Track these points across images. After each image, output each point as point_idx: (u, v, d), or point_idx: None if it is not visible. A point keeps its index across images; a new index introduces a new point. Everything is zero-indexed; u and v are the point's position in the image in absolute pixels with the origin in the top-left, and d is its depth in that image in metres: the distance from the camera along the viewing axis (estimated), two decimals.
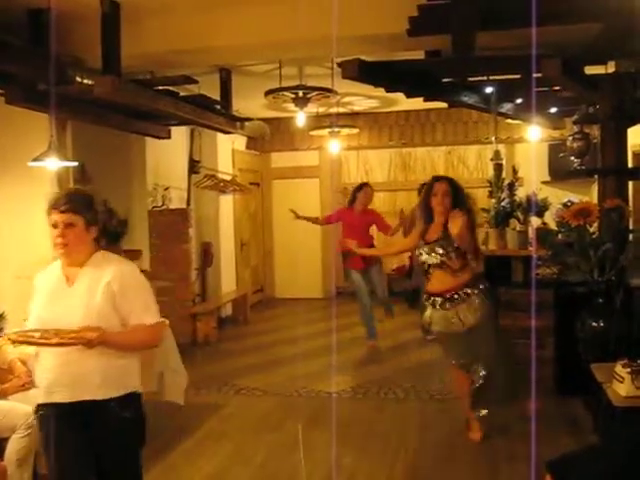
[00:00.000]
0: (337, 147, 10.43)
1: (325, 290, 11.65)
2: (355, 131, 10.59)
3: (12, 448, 3.72)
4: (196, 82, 6.00)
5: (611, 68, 5.88)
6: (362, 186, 8.03)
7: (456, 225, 4.43)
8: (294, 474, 4.35)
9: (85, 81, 5.00)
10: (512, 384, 4.79)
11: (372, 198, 8.10)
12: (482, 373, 4.71)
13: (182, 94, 6.47)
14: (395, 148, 11.54)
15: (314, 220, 8.67)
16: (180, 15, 5.30)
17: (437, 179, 4.86)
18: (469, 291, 4.62)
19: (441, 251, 4.62)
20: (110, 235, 7.22)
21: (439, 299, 4.68)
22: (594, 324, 4.83)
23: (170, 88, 6.15)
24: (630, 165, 5.91)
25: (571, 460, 3.00)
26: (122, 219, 7.57)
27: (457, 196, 4.71)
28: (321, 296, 11.54)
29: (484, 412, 4.81)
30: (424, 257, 4.71)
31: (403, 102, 9.44)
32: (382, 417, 5.40)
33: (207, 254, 9.49)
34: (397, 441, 4.86)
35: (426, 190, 4.82)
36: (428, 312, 4.80)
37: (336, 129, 9.98)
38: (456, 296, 4.61)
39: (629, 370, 3.83)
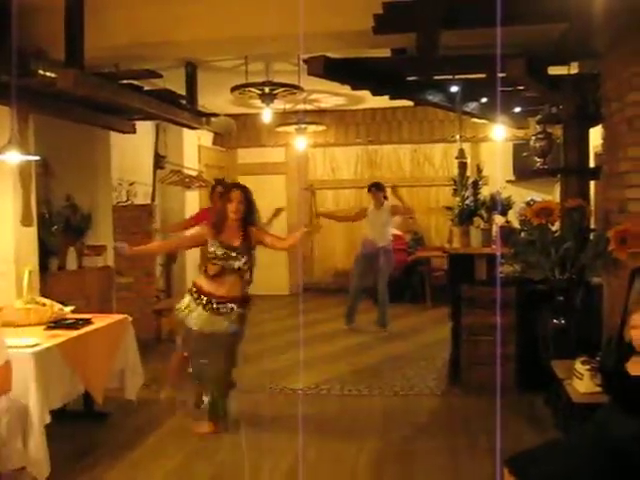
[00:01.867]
0: (304, 144, 10.45)
1: (291, 287, 11.65)
2: (322, 128, 10.60)
3: None
4: (160, 76, 5.96)
5: (574, 69, 5.96)
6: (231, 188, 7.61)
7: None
8: (257, 470, 4.33)
9: (48, 74, 4.94)
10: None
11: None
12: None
13: (147, 88, 6.41)
14: (362, 146, 11.59)
15: None
16: (145, 8, 5.26)
17: (234, 186, 4.99)
18: (236, 309, 4.82)
19: (244, 259, 4.78)
20: (73, 230, 7.26)
21: (222, 303, 4.78)
22: (555, 321, 4.89)
23: (134, 82, 6.10)
24: (592, 165, 5.98)
25: (530, 456, 3.04)
26: (86, 214, 7.51)
27: (250, 206, 4.86)
28: (287, 293, 11.54)
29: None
30: (218, 260, 4.77)
31: (370, 100, 9.49)
32: (345, 413, 5.40)
33: None
34: (360, 437, 4.87)
35: (222, 194, 5.04)
36: (199, 311, 4.81)
37: (303, 126, 9.98)
38: (229, 305, 4.79)
39: (588, 367, 3.88)
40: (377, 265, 8.43)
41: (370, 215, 8.52)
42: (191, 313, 4.80)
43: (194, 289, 4.84)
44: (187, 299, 4.86)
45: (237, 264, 4.76)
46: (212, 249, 4.77)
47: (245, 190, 4.86)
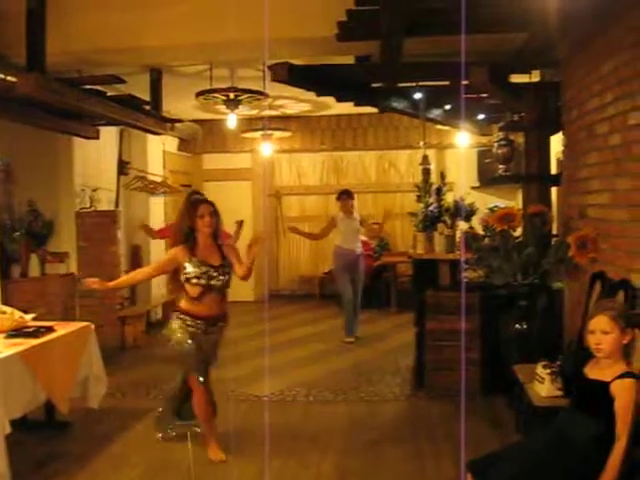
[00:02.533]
0: (269, 150, 10.44)
1: (257, 293, 11.61)
2: (287, 134, 10.61)
3: None
4: (124, 82, 5.93)
5: (536, 77, 6.05)
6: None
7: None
8: (222, 479, 4.32)
9: (8, 78, 4.88)
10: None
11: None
12: None
13: (110, 94, 6.37)
14: (327, 152, 11.61)
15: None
16: (109, 13, 5.23)
17: (202, 201, 4.65)
18: (222, 324, 4.70)
19: (227, 277, 4.61)
20: (35, 237, 7.17)
21: (206, 324, 4.60)
22: (517, 326, 4.96)
23: (98, 87, 6.05)
24: (554, 172, 6.07)
25: (490, 459, 3.07)
26: (48, 220, 7.43)
27: (217, 217, 4.65)
28: (253, 299, 11.50)
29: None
30: (194, 279, 4.52)
31: (335, 106, 9.52)
32: (310, 420, 5.40)
33: (136, 257, 9.35)
34: (324, 443, 4.87)
35: (189, 211, 4.62)
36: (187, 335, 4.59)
37: (268, 132, 9.98)
38: (219, 324, 4.67)
39: (549, 371, 3.94)
40: (357, 273, 8.28)
41: (341, 224, 8.29)
42: (184, 334, 4.58)
43: (181, 314, 4.60)
44: (175, 324, 4.61)
45: (219, 283, 4.56)
46: (189, 269, 4.51)
47: (213, 204, 4.64)
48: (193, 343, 4.55)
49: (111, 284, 4.90)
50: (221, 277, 4.56)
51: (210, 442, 4.66)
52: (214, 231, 4.62)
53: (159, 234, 8.10)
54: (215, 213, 4.60)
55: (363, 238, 9.69)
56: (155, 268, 4.96)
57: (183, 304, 4.63)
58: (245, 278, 4.65)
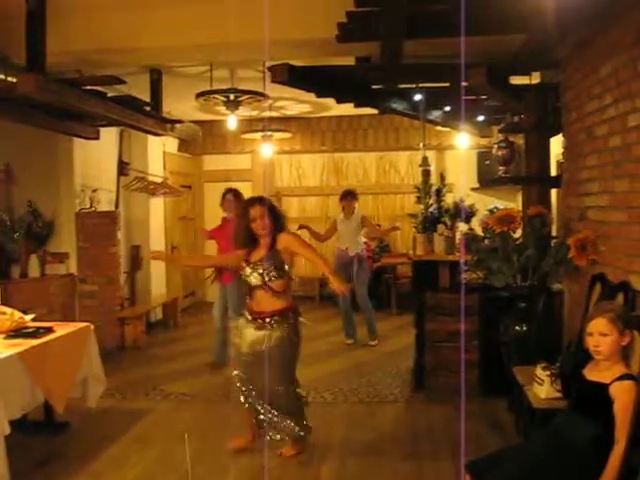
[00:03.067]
0: (270, 151, 10.44)
1: None
2: (288, 135, 10.62)
3: None
4: (124, 82, 5.92)
5: (536, 79, 6.05)
6: (224, 194, 7.18)
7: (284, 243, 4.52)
8: (221, 478, 4.32)
9: (9, 78, 4.89)
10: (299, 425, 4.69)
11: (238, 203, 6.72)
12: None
13: (111, 94, 6.37)
14: (327, 153, 11.61)
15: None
16: (109, 14, 5.24)
17: (252, 203, 4.62)
18: (277, 320, 4.51)
19: (260, 271, 4.51)
20: (35, 237, 7.18)
21: (255, 319, 4.56)
22: (517, 328, 4.95)
23: (98, 88, 6.05)
24: (554, 173, 6.07)
25: (489, 460, 3.07)
26: (48, 221, 7.44)
27: (274, 213, 4.59)
28: None
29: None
30: (248, 277, 4.58)
31: (335, 107, 9.52)
32: (310, 420, 5.40)
33: (136, 257, 9.35)
34: (323, 444, 4.87)
35: (242, 215, 4.63)
36: (242, 330, 4.65)
37: (268, 133, 9.98)
38: (267, 320, 4.51)
39: (549, 373, 3.93)
40: (352, 274, 8.18)
41: (340, 225, 8.28)
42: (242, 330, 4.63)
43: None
44: (240, 321, 4.71)
45: (252, 279, 4.54)
46: (243, 271, 4.59)
47: (263, 201, 4.60)
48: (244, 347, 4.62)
49: (177, 258, 4.91)
50: (254, 274, 4.52)
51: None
52: (272, 230, 4.53)
53: (209, 235, 7.76)
54: (268, 212, 4.51)
55: (364, 239, 9.70)
56: (223, 259, 4.95)
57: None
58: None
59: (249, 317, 4.59)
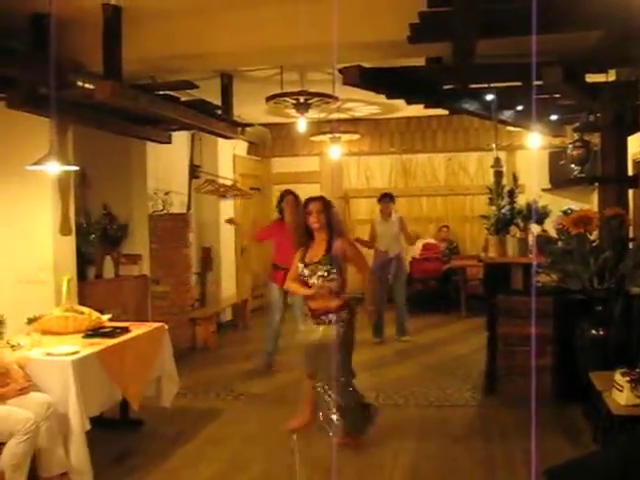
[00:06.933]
0: (338, 153, 10.45)
1: None
2: (356, 137, 10.60)
3: (9, 452, 3.70)
4: (197, 87, 6.02)
5: (612, 76, 5.89)
6: (283, 195, 7.16)
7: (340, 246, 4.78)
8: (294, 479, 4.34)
9: (86, 85, 5.02)
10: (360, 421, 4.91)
11: (297, 205, 6.64)
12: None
13: (183, 99, 6.48)
14: (396, 154, 11.55)
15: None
16: (181, 20, 5.31)
17: (312, 199, 4.94)
18: (334, 317, 4.74)
19: (320, 273, 4.75)
20: (110, 239, 7.36)
21: (316, 317, 4.82)
22: (593, 332, 4.83)
23: (171, 93, 6.16)
24: (630, 173, 5.90)
25: (567, 469, 3.00)
26: (122, 224, 7.62)
27: (329, 213, 4.86)
28: None
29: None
30: (308, 279, 4.81)
31: (404, 109, 9.47)
32: (381, 423, 5.36)
33: (207, 259, 9.49)
34: (396, 447, 4.84)
35: (302, 210, 4.95)
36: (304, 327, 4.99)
37: (337, 135, 9.99)
38: (323, 317, 4.76)
39: (628, 379, 3.83)
40: (389, 274, 8.33)
41: (378, 227, 8.49)
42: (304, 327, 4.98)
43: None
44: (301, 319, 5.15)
45: (313, 280, 4.77)
46: (300, 271, 4.86)
47: (323, 200, 4.91)
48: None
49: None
50: (317, 276, 4.76)
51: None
52: (324, 226, 4.81)
53: (258, 237, 7.64)
54: (325, 210, 4.81)
55: (431, 241, 9.66)
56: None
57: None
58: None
59: (308, 314, 4.89)
